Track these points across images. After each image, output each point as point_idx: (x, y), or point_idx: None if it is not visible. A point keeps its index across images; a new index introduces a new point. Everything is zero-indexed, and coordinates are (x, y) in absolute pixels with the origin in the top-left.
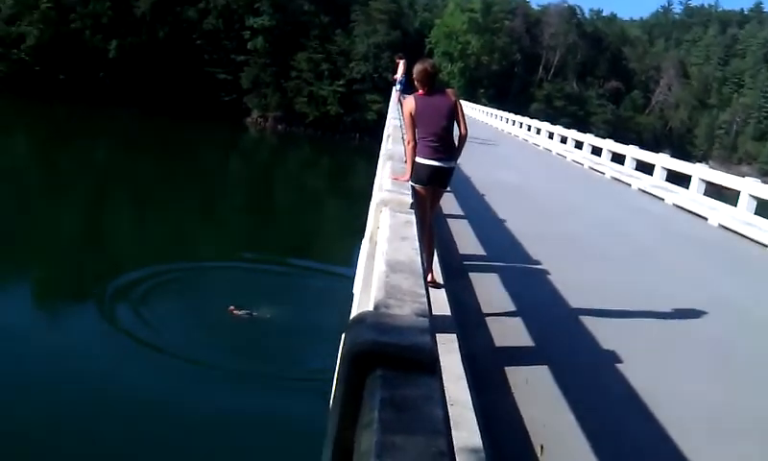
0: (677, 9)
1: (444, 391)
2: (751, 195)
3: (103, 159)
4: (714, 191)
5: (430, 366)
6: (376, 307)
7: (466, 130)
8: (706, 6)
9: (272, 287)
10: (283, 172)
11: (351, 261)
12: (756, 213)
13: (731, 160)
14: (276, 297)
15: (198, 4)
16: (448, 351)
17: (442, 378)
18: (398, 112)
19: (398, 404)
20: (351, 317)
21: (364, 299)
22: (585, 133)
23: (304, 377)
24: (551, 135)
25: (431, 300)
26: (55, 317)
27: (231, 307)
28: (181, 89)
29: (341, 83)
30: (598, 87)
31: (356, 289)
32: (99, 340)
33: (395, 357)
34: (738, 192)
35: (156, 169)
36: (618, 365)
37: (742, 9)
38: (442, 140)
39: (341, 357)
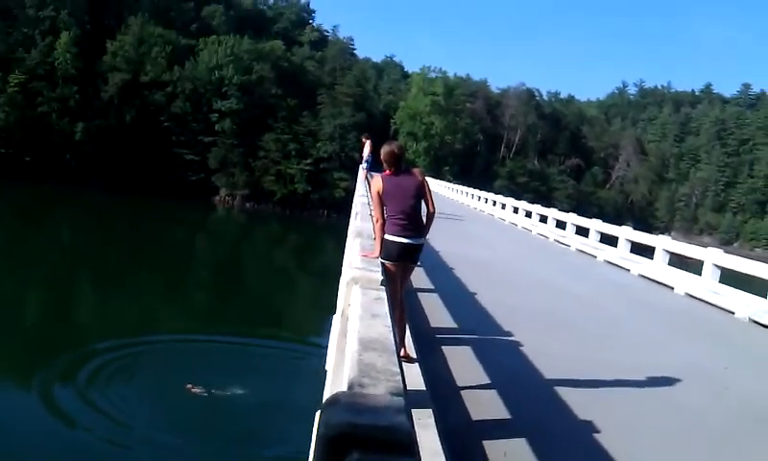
0: (632, 90)
1: None
2: (714, 264)
3: (68, 239)
4: (678, 261)
5: (408, 447)
6: (350, 387)
7: (433, 207)
8: (659, 87)
9: (240, 363)
10: (251, 249)
11: (322, 337)
12: (720, 281)
13: (692, 231)
14: (244, 373)
15: (165, 88)
16: (424, 426)
17: (420, 459)
18: (366, 190)
19: None
20: (325, 398)
21: (337, 377)
22: (549, 207)
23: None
24: (516, 210)
25: (405, 375)
26: None
27: (189, 385)
28: (149, 169)
29: (308, 162)
30: (559, 164)
31: (329, 366)
32: (34, 421)
33: (371, 439)
34: (702, 262)
35: (122, 248)
36: (595, 435)
37: (693, 89)
38: (410, 218)
39: (315, 440)
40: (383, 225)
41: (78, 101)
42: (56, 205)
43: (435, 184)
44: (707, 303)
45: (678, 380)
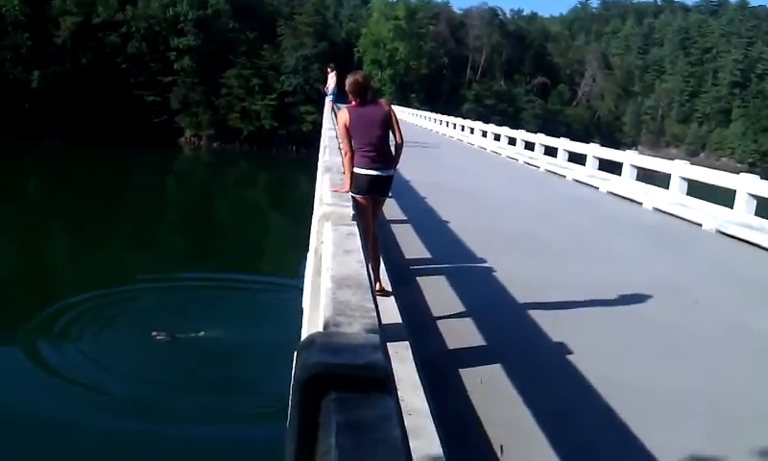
0: (594, 3)
1: (400, 407)
2: (681, 177)
3: (32, 190)
4: (646, 175)
5: (385, 384)
6: (326, 326)
7: (401, 138)
8: None
9: (216, 305)
10: (221, 189)
11: (299, 274)
12: (687, 194)
13: (659, 144)
14: (222, 315)
15: (120, 28)
16: (402, 359)
17: (397, 395)
18: (333, 122)
19: (355, 427)
20: (301, 339)
21: (314, 316)
22: (516, 129)
23: (257, 406)
24: (484, 134)
25: (380, 309)
26: None
27: (154, 333)
28: (110, 115)
29: (273, 96)
30: (525, 84)
31: (305, 305)
32: (13, 373)
33: (348, 378)
34: (669, 175)
35: (89, 196)
36: (569, 356)
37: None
38: (378, 150)
39: (293, 383)
40: (352, 158)
41: (30, 48)
42: (17, 155)
43: (402, 113)
44: (675, 216)
45: (649, 296)
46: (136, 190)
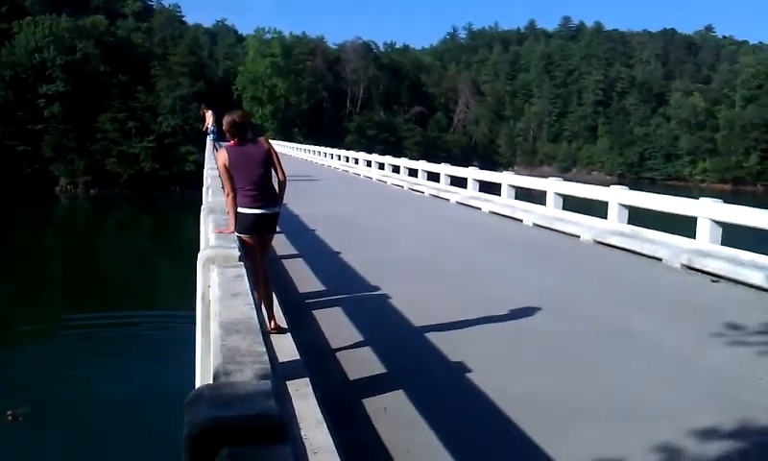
0: (462, 34)
1: (300, 452)
2: (556, 193)
3: None
4: (525, 194)
5: (280, 432)
6: (216, 376)
7: (284, 175)
8: (487, 28)
9: (102, 347)
10: (103, 237)
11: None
12: (564, 208)
13: (533, 163)
14: (109, 358)
15: None
16: (303, 396)
17: (300, 434)
18: (215, 162)
19: None
20: (189, 395)
21: (205, 364)
22: (400, 157)
23: None
24: (369, 163)
25: (277, 348)
26: None
27: (9, 414)
28: None
29: (151, 138)
30: (404, 114)
31: (197, 350)
32: None
33: (240, 431)
34: (545, 192)
35: None
36: (467, 374)
37: (518, 27)
38: (261, 188)
39: (183, 442)
40: (234, 198)
41: None
42: None
43: (285, 148)
44: (554, 230)
45: (538, 309)
46: (12, 245)
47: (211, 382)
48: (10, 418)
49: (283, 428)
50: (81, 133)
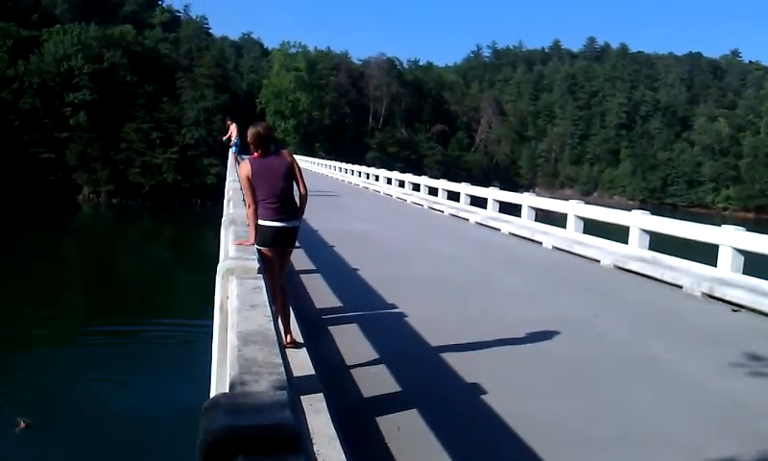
0: (486, 52)
1: None
2: (577, 216)
3: None
4: (544, 216)
5: (294, 443)
6: (232, 386)
7: (305, 189)
8: (511, 47)
9: (119, 360)
10: (124, 247)
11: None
12: (584, 231)
13: (554, 186)
14: (125, 370)
15: (12, 84)
16: (317, 411)
17: (312, 449)
18: (237, 175)
19: None
20: (205, 402)
21: (221, 374)
22: (420, 175)
23: None
24: (389, 181)
25: (292, 363)
26: None
27: (21, 422)
28: (2, 174)
29: (174, 150)
30: (426, 131)
31: (213, 361)
32: None
33: (255, 440)
34: (565, 215)
35: None
36: (483, 397)
37: (543, 47)
38: (282, 201)
39: (197, 449)
40: (256, 210)
41: None
42: None
43: (307, 163)
44: (574, 253)
45: (556, 333)
46: (34, 251)
47: (227, 392)
48: (22, 426)
49: (298, 439)
50: (105, 142)
